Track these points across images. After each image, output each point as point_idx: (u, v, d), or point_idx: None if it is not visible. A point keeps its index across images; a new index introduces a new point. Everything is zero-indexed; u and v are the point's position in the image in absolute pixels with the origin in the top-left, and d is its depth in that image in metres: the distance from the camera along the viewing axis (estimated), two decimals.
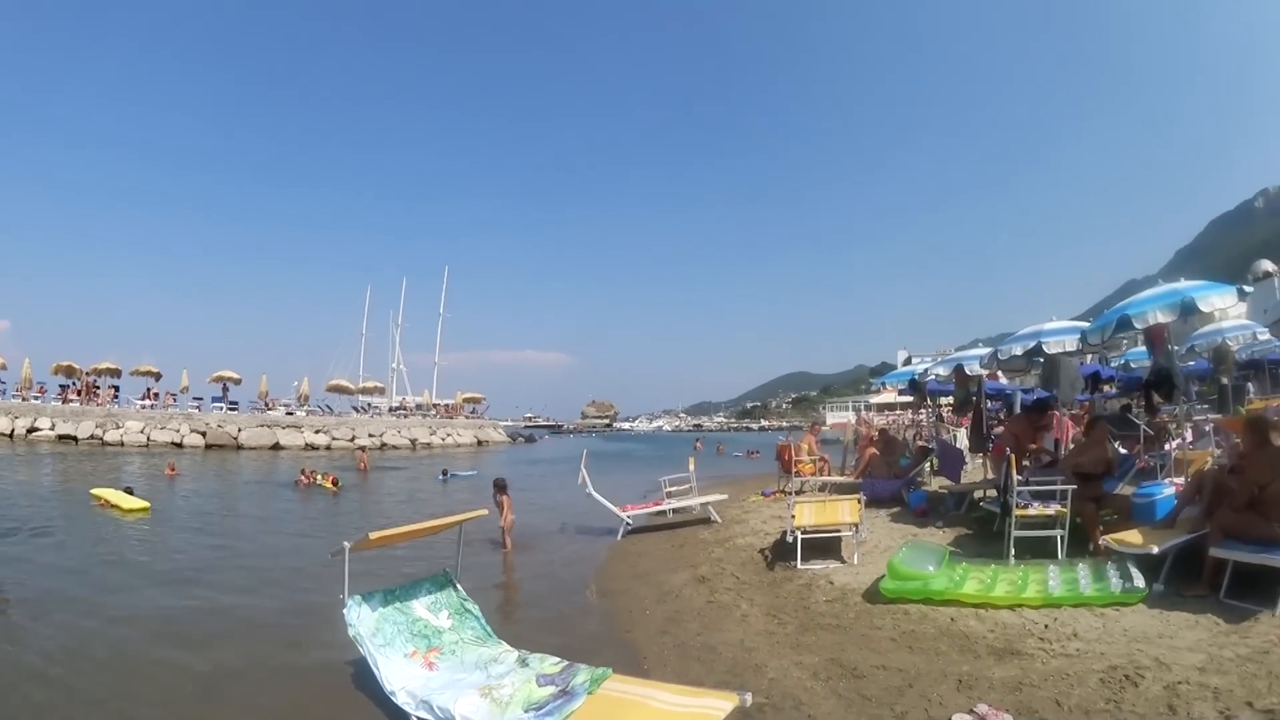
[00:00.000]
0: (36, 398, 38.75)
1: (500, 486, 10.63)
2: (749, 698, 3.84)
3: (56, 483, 19.64)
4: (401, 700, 4.39)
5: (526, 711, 3.97)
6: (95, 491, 14.88)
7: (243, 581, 8.44)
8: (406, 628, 5.11)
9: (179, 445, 34.77)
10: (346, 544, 4.89)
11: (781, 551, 8.00)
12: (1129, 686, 3.81)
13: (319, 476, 18.89)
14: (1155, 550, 5.24)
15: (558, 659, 4.77)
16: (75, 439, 33.91)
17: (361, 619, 4.91)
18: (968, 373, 9.93)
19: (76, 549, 10.05)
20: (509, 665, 4.80)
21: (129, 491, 14.61)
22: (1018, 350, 8.59)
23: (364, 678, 4.86)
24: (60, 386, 39.90)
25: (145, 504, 13.78)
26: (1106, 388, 13.27)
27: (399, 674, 4.64)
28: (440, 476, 21.91)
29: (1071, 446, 8.50)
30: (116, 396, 40.58)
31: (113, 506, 13.79)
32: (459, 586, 5.72)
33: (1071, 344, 7.95)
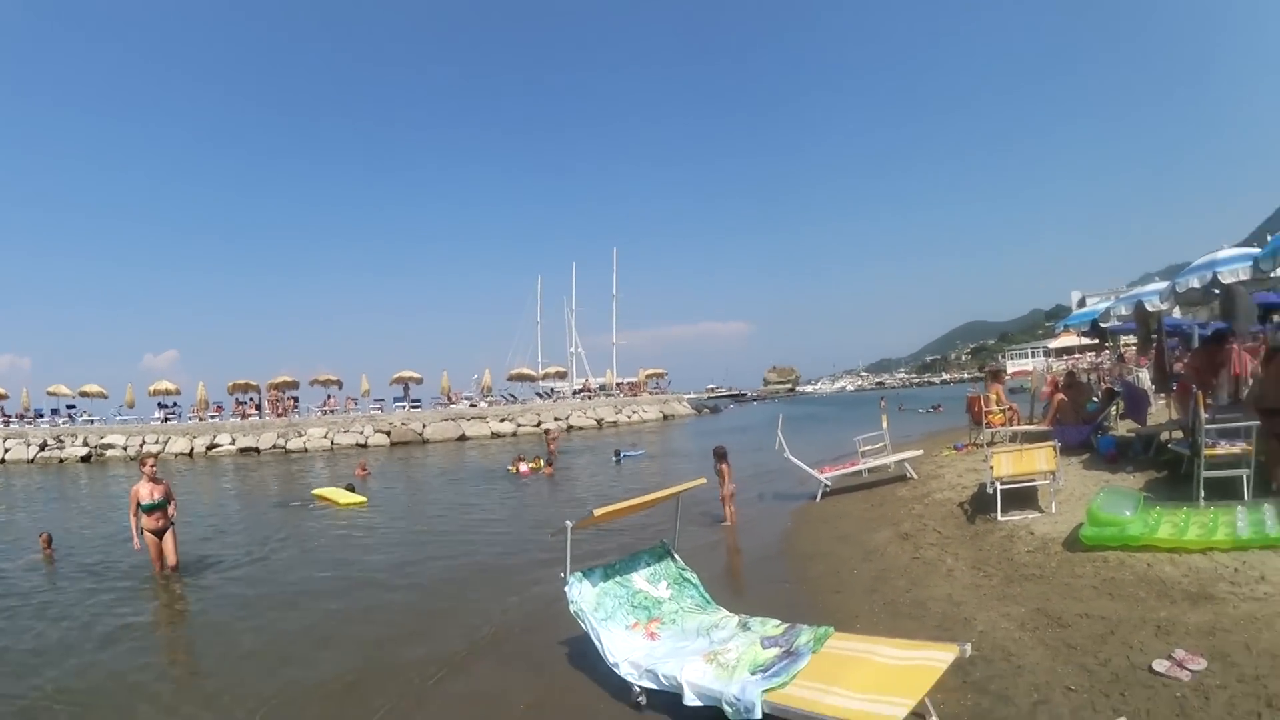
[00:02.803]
0: (214, 417, 39.33)
1: (720, 455, 10.35)
2: (968, 648, 3.87)
3: (260, 490, 20.55)
4: (624, 671, 4.46)
5: (754, 674, 3.96)
6: (316, 492, 16.20)
7: (455, 565, 9.12)
8: (627, 600, 5.13)
9: (363, 446, 34.92)
10: (569, 523, 4.93)
11: (980, 504, 8.15)
12: None
13: (533, 461, 19.69)
14: None
15: (779, 621, 4.83)
16: (257, 450, 34.55)
17: (583, 595, 4.92)
18: (1148, 309, 9.69)
19: (304, 550, 10.81)
20: (731, 630, 4.81)
21: (349, 489, 15.79)
22: (1195, 282, 8.36)
23: (583, 655, 5.06)
24: (237, 402, 40.48)
25: (362, 499, 14.84)
26: (1277, 316, 12.19)
27: (621, 646, 4.67)
28: (614, 458, 22.10)
29: (1250, 380, 8.19)
30: (296, 406, 41.09)
31: (331, 502, 14.96)
32: (676, 557, 5.72)
33: (1245, 272, 7.72)
